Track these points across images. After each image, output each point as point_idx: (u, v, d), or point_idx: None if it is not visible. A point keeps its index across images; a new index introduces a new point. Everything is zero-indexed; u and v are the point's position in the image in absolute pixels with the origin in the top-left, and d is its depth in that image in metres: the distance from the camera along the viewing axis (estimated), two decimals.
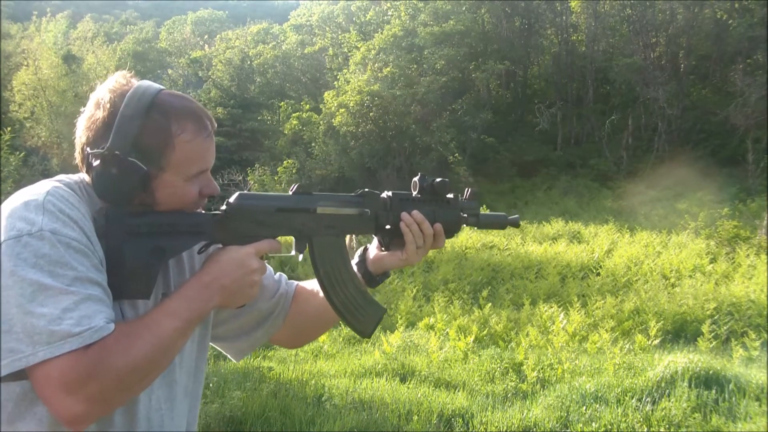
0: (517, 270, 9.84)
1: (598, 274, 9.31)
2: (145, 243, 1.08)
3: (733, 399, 4.30)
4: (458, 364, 5.57)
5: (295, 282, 1.45)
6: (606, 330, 6.13)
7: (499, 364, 5.32)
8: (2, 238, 0.96)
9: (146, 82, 1.12)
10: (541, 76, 28.61)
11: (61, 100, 25.02)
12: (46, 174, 17.28)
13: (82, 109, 1.13)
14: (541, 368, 5.16)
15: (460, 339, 6.00)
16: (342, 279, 1.30)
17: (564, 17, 26.04)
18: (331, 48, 32.67)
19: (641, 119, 22.61)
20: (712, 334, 5.98)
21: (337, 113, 21.42)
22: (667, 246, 11.09)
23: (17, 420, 1.01)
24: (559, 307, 7.25)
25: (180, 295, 1.08)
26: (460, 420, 4.14)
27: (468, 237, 11.48)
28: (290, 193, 1.25)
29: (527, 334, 6.25)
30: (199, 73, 33.01)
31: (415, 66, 24.48)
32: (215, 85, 28.38)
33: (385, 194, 1.34)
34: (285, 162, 21.73)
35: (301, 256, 1.28)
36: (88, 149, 1.09)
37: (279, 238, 1.23)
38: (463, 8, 26.21)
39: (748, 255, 9.66)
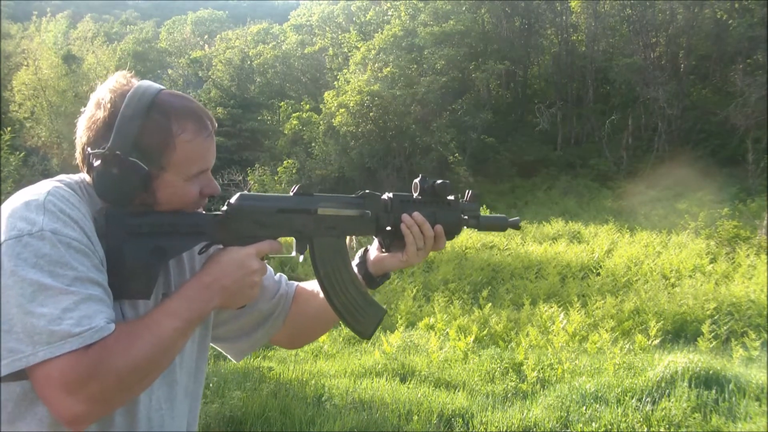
0: (517, 270, 9.84)
1: (598, 274, 9.31)
2: (145, 243, 1.08)
3: (733, 399, 4.30)
4: (458, 364, 5.57)
5: (296, 283, 1.45)
6: (606, 330, 6.13)
7: (499, 364, 5.32)
8: (3, 238, 0.96)
9: (146, 82, 1.12)
10: (541, 76, 28.62)
11: (61, 100, 25.03)
12: (46, 174, 17.28)
13: (82, 109, 1.13)
14: (541, 368, 5.16)
15: (460, 339, 6.01)
16: (342, 280, 1.30)
17: (564, 17, 26.05)
18: (331, 48, 32.68)
19: (641, 119, 22.62)
20: (712, 334, 5.98)
21: (337, 113, 21.42)
22: (667, 246, 11.09)
23: (18, 420, 1.01)
24: (559, 307, 7.25)
25: (180, 295, 1.08)
26: (460, 420, 4.14)
27: (468, 237, 11.48)
28: (291, 194, 1.25)
29: (527, 334, 6.25)
30: (199, 73, 33.01)
31: (415, 66, 24.49)
32: (215, 85, 28.38)
33: (385, 196, 1.34)
34: (285, 162, 21.73)
35: (301, 257, 1.28)
36: (88, 149, 1.09)
37: (280, 239, 1.23)
38: (463, 8, 26.22)
39: (748, 255, 9.66)
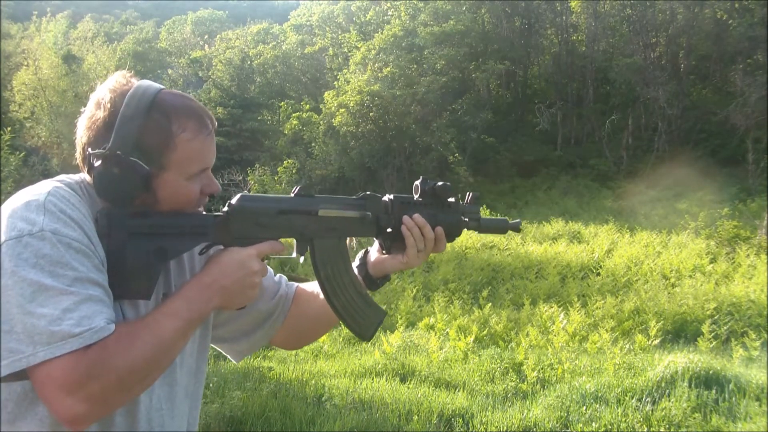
0: (517, 270, 9.85)
1: (598, 274, 9.31)
2: (147, 244, 1.08)
3: (733, 399, 4.30)
4: (458, 364, 5.57)
5: (295, 284, 1.45)
6: (606, 330, 6.13)
7: (499, 364, 5.32)
8: (3, 238, 0.96)
9: (146, 82, 1.12)
10: (541, 76, 28.62)
11: (61, 100, 25.03)
12: (46, 174, 17.30)
13: (82, 109, 1.13)
14: (541, 368, 5.16)
15: (460, 339, 6.01)
16: (343, 282, 1.30)
17: (564, 17, 26.05)
18: (331, 48, 32.69)
19: (641, 119, 22.63)
20: (712, 334, 5.98)
21: (337, 113, 21.43)
22: (667, 246, 11.10)
23: (18, 420, 1.01)
24: (559, 307, 7.25)
25: (180, 295, 1.08)
26: (460, 420, 4.14)
27: (468, 237, 11.47)
28: (292, 195, 1.25)
29: (527, 334, 6.26)
30: (199, 73, 33.03)
31: (415, 66, 24.50)
32: (215, 85, 28.38)
33: (386, 197, 1.34)
34: (285, 162, 21.73)
35: (302, 259, 1.28)
36: (89, 149, 1.09)
37: (281, 239, 1.23)
38: (463, 8, 26.23)
39: (748, 255, 9.66)
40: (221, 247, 1.18)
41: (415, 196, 1.37)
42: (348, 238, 1.32)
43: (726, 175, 17.93)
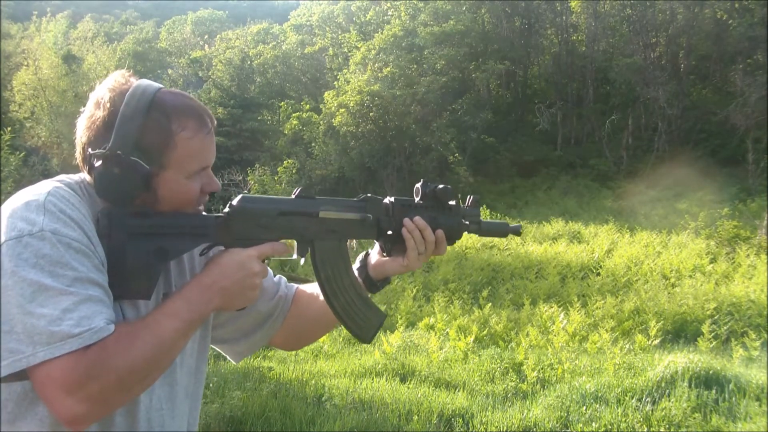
0: (517, 270, 9.85)
1: (598, 274, 9.31)
2: (147, 244, 1.08)
3: (733, 399, 4.30)
4: (458, 364, 5.57)
5: (295, 285, 1.46)
6: (606, 330, 6.13)
7: (499, 364, 5.32)
8: (3, 239, 0.96)
9: (145, 81, 1.12)
10: (541, 76, 28.62)
11: (61, 100, 25.03)
12: (46, 174, 17.30)
13: (81, 109, 1.13)
14: (541, 368, 5.16)
15: (460, 339, 6.01)
16: (343, 284, 1.30)
17: (564, 17, 26.05)
18: (331, 48, 32.69)
19: (641, 119, 22.63)
20: (712, 334, 5.98)
21: (337, 113, 21.42)
22: (667, 246, 11.10)
23: (18, 420, 1.01)
24: (559, 307, 7.25)
25: (181, 296, 1.08)
26: (460, 420, 4.14)
27: (468, 237, 11.46)
28: (293, 196, 1.25)
29: (527, 334, 6.26)
30: (199, 73, 33.03)
31: (415, 66, 24.50)
32: (215, 85, 28.38)
33: (387, 200, 1.34)
34: (285, 162, 21.74)
35: (302, 260, 1.28)
36: (89, 149, 1.09)
37: (282, 240, 1.23)
38: (463, 8, 26.23)
39: (748, 255, 9.66)
40: (222, 248, 1.18)
41: (416, 199, 1.37)
42: (348, 240, 1.32)
43: (726, 175, 17.93)
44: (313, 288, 1.41)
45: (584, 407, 4.20)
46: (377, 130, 21.56)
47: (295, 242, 1.26)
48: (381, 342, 6.02)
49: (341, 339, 6.66)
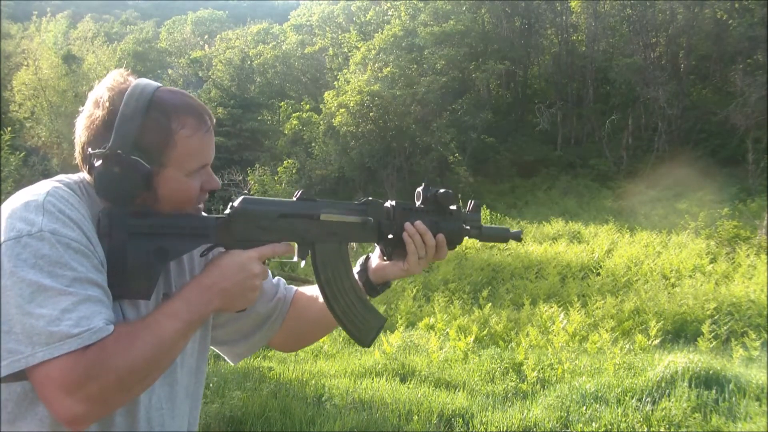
0: (517, 270, 9.85)
1: (598, 274, 9.31)
2: (148, 244, 1.08)
3: (733, 399, 4.30)
4: (458, 364, 5.57)
5: (294, 287, 1.46)
6: (606, 330, 6.13)
7: (499, 364, 5.32)
8: (2, 239, 0.96)
9: (144, 80, 1.12)
10: (541, 76, 28.62)
11: (61, 100, 25.02)
12: (46, 174, 17.28)
13: (80, 109, 1.13)
14: (541, 368, 5.16)
15: (460, 339, 6.01)
16: (343, 286, 1.30)
17: (564, 17, 26.05)
18: (331, 48, 32.68)
19: (641, 119, 22.63)
20: (712, 334, 5.98)
21: (337, 113, 21.42)
22: (667, 246, 11.10)
23: (18, 420, 1.01)
24: (559, 307, 7.25)
25: (181, 296, 1.08)
26: (460, 420, 4.14)
27: None
28: (294, 199, 1.25)
29: (527, 334, 6.26)
30: (199, 73, 33.03)
31: (415, 66, 24.49)
32: (215, 85, 28.37)
33: (388, 203, 1.34)
34: (285, 162, 21.73)
35: (303, 263, 1.28)
36: (89, 149, 1.09)
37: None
38: (463, 8, 26.23)
39: (748, 255, 9.66)
40: (222, 249, 1.18)
41: (417, 203, 1.37)
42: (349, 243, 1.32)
43: (726, 175, 17.93)
44: (312, 290, 1.41)
45: (584, 407, 4.20)
46: (377, 130, 21.55)
47: (295, 244, 1.26)
48: (381, 342, 6.02)
49: (341, 339, 6.66)
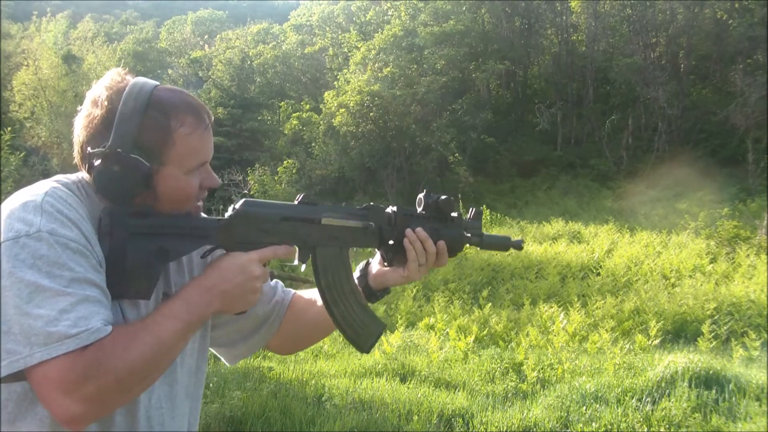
0: (517, 270, 9.85)
1: (598, 274, 9.31)
2: (148, 244, 1.08)
3: (733, 399, 4.30)
4: (458, 364, 5.57)
5: (293, 290, 1.46)
6: (606, 330, 6.13)
7: (499, 364, 5.32)
8: (0, 239, 0.96)
9: (142, 79, 1.12)
10: (541, 76, 28.61)
11: (61, 100, 25.02)
12: (46, 174, 17.23)
13: (79, 108, 1.13)
14: (541, 368, 5.16)
15: (460, 339, 6.01)
16: (343, 291, 1.30)
17: (564, 17, 26.04)
18: (331, 48, 32.68)
19: (641, 119, 22.63)
20: (712, 334, 5.98)
21: (337, 113, 21.41)
22: (667, 246, 11.09)
23: (18, 420, 1.01)
24: (559, 307, 7.25)
25: (181, 297, 1.08)
26: (460, 420, 4.14)
27: None
28: (296, 202, 1.25)
29: (527, 334, 6.25)
30: (199, 73, 33.03)
31: (415, 66, 24.48)
32: (215, 85, 28.37)
33: (389, 209, 1.34)
34: (285, 162, 21.73)
35: (303, 266, 1.28)
36: (88, 148, 1.09)
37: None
38: (463, 8, 26.22)
39: (748, 255, 9.66)
40: (223, 251, 1.18)
41: (419, 209, 1.37)
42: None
43: (726, 175, 17.93)
44: (310, 293, 1.41)
45: (584, 407, 4.20)
46: (377, 130, 21.54)
47: (296, 247, 1.26)
48: (381, 342, 6.02)
49: (341, 339, 6.66)
